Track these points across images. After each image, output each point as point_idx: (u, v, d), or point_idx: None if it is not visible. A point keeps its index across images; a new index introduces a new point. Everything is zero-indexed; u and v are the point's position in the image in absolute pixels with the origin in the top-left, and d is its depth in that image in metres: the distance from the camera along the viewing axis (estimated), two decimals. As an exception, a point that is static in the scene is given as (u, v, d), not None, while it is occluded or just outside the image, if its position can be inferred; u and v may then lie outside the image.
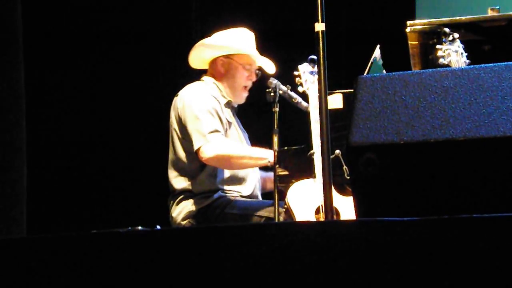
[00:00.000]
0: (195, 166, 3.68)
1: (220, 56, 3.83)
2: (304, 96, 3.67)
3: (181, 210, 3.70)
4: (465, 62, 2.93)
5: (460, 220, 1.77)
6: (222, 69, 3.82)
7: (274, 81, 3.63)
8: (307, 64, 3.64)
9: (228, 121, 3.77)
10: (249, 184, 3.79)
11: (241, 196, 3.75)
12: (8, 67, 4.25)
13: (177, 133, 3.72)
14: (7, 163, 4.25)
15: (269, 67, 3.86)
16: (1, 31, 4.24)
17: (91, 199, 4.95)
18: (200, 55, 3.86)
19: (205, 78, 3.89)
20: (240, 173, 3.76)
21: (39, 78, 4.83)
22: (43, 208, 4.78)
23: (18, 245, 2.07)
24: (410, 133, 2.06)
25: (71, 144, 5.00)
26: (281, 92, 3.63)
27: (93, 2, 5.03)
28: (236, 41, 3.83)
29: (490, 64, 2.09)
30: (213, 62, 3.86)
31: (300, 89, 3.64)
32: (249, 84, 3.85)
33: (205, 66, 3.92)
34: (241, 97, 3.86)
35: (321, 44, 2.52)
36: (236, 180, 3.76)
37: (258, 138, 3.93)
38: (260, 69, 3.87)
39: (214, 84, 3.83)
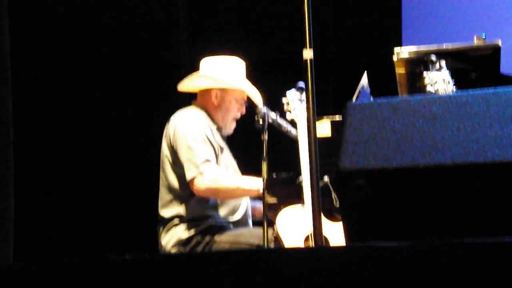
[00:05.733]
0: (186, 191, 3.68)
1: (215, 88, 3.85)
2: (293, 123, 3.68)
3: (170, 238, 3.69)
4: (452, 89, 2.95)
5: (450, 245, 1.77)
6: (215, 101, 3.85)
7: (263, 109, 3.65)
8: (295, 90, 3.65)
9: (221, 147, 3.78)
10: (240, 210, 3.80)
11: (232, 222, 3.75)
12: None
13: (168, 159, 3.73)
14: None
15: (259, 99, 3.89)
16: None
17: (80, 227, 4.93)
18: (195, 83, 3.88)
19: (195, 104, 3.90)
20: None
21: (28, 106, 4.83)
22: (30, 236, 4.74)
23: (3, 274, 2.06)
24: (399, 158, 2.07)
25: (59, 171, 4.98)
26: (270, 120, 3.65)
27: (78, 26, 5.04)
28: (232, 74, 3.84)
29: (477, 90, 2.11)
30: (206, 92, 3.87)
31: (288, 116, 3.65)
32: (238, 116, 3.88)
33: (193, 91, 3.93)
34: (230, 129, 3.89)
35: (309, 72, 2.53)
36: (227, 205, 3.76)
37: (247, 165, 3.93)
38: (248, 99, 3.89)
39: (205, 111, 3.84)
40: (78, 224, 4.94)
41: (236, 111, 3.86)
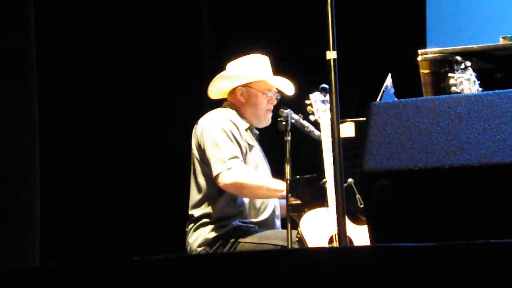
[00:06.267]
0: (215, 190, 3.70)
1: (238, 86, 3.86)
2: (316, 125, 3.67)
3: (198, 237, 3.72)
4: (477, 90, 2.92)
5: (476, 245, 1.75)
6: (242, 98, 3.85)
7: (285, 110, 3.65)
8: (319, 92, 3.65)
9: (249, 144, 3.79)
10: (268, 210, 3.80)
11: (259, 222, 3.75)
12: (22, 95, 4.26)
13: (197, 159, 3.76)
14: (20, 194, 4.25)
15: (288, 88, 3.88)
16: (14, 53, 4.24)
17: (108, 228, 4.97)
18: (219, 87, 3.90)
19: (225, 105, 3.91)
20: (259, 199, 3.77)
21: (53, 109, 4.87)
22: (56, 236, 4.78)
23: (29, 275, 2.07)
24: (424, 159, 2.05)
25: (85, 174, 5.02)
26: (293, 121, 3.64)
27: (104, 31, 5.09)
28: (252, 68, 3.86)
29: (503, 90, 2.08)
30: (233, 92, 3.88)
31: (311, 117, 3.64)
32: (271, 107, 3.87)
33: (224, 96, 3.95)
34: (266, 120, 3.88)
35: (332, 73, 2.53)
36: (254, 205, 3.76)
37: (270, 167, 3.93)
38: (279, 91, 3.89)
39: (234, 110, 3.86)
40: (108, 224, 4.98)
41: (266, 103, 3.85)
